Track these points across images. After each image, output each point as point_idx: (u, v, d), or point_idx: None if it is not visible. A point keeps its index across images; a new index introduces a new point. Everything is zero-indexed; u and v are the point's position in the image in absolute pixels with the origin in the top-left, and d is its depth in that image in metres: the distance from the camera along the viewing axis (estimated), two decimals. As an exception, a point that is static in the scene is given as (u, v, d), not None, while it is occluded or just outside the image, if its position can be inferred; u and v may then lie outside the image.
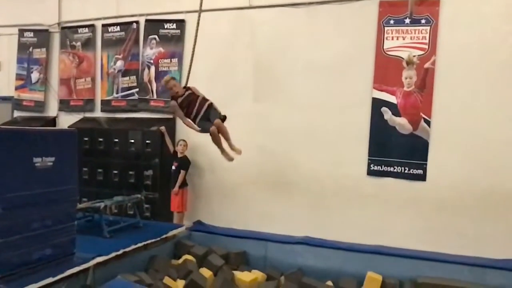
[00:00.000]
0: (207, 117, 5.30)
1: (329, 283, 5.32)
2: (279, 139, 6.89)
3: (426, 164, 6.17)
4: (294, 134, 6.82)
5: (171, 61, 7.73)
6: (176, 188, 6.86)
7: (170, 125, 7.47)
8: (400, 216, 6.23)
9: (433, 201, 6.10)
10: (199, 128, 5.32)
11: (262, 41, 7.05)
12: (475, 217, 5.92)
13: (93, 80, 8.42)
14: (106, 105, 8.29)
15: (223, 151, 5.35)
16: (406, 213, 6.21)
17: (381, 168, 6.38)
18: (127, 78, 8.09)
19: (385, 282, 5.23)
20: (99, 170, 7.66)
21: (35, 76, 8.90)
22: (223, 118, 5.33)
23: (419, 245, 5.96)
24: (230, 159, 5.39)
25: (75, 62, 8.57)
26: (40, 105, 8.89)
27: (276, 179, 6.93)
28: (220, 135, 5.26)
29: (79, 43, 8.49)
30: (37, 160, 4.08)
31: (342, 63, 6.56)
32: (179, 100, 5.43)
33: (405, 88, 6.29)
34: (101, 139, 7.71)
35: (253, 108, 7.02)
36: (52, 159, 4.23)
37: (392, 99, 6.35)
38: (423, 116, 6.19)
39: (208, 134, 5.22)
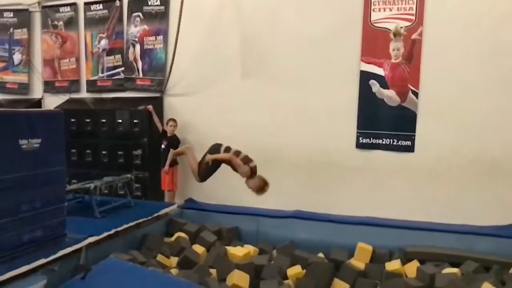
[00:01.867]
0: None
1: (321, 255, 5.38)
2: (268, 115, 6.87)
3: (414, 136, 6.23)
4: (283, 109, 6.81)
5: (156, 38, 7.61)
6: (166, 167, 6.84)
7: (158, 103, 7.41)
8: (389, 187, 6.31)
9: (421, 171, 6.18)
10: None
11: (248, 15, 6.95)
12: (462, 186, 6.02)
13: (78, 60, 8.28)
14: (92, 86, 8.18)
15: None
16: (394, 184, 6.30)
17: (370, 140, 6.42)
18: (112, 57, 7.97)
19: (375, 252, 5.30)
20: (88, 151, 7.61)
21: (17, 57, 8.72)
22: None
23: (408, 215, 6.05)
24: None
25: (58, 42, 8.40)
26: (24, 87, 8.74)
27: (266, 155, 6.88)
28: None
29: (61, 23, 8.30)
30: (23, 142, 4.03)
31: (330, 36, 6.50)
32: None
33: (392, 60, 6.28)
34: (88, 120, 7.63)
35: (242, 84, 6.97)
36: (39, 140, 4.17)
37: (379, 71, 6.34)
38: (411, 87, 6.20)
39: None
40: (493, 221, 5.79)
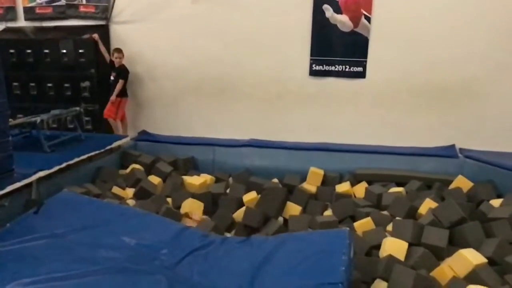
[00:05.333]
0: None
1: (275, 180, 5.55)
2: (220, 43, 6.68)
3: (366, 62, 6.28)
4: (236, 37, 6.62)
5: (97, -41, 7.02)
6: (113, 97, 6.60)
7: (103, 32, 6.99)
8: (341, 113, 6.45)
9: (372, 97, 6.32)
10: None
11: None
12: (410, 110, 6.24)
13: (10, -17, 7.57)
14: (30, 13, 7.55)
15: None
16: (346, 110, 6.44)
17: (323, 67, 6.43)
18: (50, -20, 7.34)
19: (326, 175, 5.51)
20: (32, 84, 7.21)
21: None
22: None
23: (358, 140, 6.28)
24: None
25: (-15, -38, 7.59)
26: (-48, 16, 7.98)
27: (219, 84, 6.85)
28: None
29: None
30: (-45, 75, 3.76)
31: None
32: None
33: (346, -16, 6.15)
34: (29, 51, 7.16)
35: (192, 10, 6.64)
36: (-28, 72, 3.90)
37: (333, -5, 6.22)
38: (364, 12, 6.14)
39: None
40: (437, 142, 6.12)
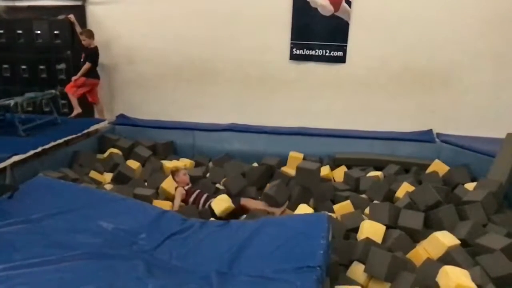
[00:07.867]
0: None
1: (255, 164, 5.56)
2: (200, 25, 6.58)
3: (346, 46, 6.28)
4: (216, 20, 6.53)
5: None
6: (76, 76, 6.40)
7: (80, 12, 6.80)
8: (321, 98, 6.47)
9: (351, 82, 6.35)
10: None
11: None
12: (388, 94, 6.30)
13: (-20, -40, 7.26)
14: (2, -8, 7.30)
15: None
16: (326, 95, 6.46)
17: (303, 52, 6.41)
18: (21, -44, 7.08)
19: (306, 159, 5.53)
20: (5, 66, 7.00)
21: None
22: None
23: (337, 124, 6.32)
24: None
25: None
26: None
27: (199, 68, 6.77)
28: None
29: None
30: None
31: None
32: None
33: (327, -33, 6.10)
34: (1, 31, 6.93)
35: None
36: None
37: (314, -22, 6.17)
38: (344, -5, 6.13)
39: None
40: (415, 127, 6.21)
